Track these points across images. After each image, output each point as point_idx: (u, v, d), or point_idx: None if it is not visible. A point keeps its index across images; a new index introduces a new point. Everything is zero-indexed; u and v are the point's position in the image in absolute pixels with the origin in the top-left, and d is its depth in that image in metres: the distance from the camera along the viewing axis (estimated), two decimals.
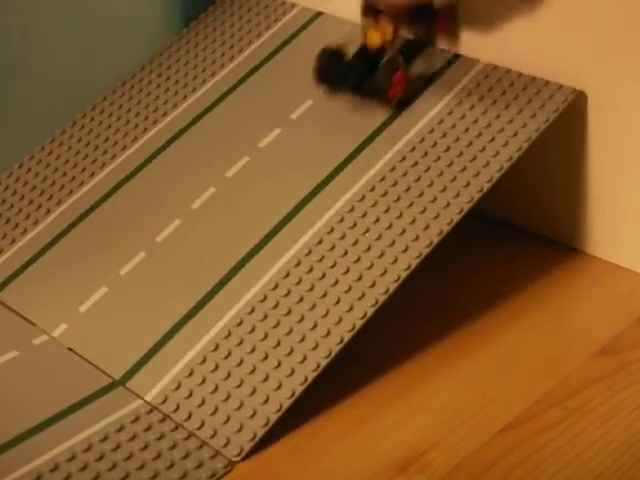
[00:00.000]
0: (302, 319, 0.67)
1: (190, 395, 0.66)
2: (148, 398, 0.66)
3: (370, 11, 0.79)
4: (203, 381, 0.66)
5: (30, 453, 0.62)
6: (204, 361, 0.67)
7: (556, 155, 0.77)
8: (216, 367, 0.66)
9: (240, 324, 0.68)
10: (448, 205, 0.70)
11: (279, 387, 0.64)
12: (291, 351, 0.66)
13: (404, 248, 0.69)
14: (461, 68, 0.79)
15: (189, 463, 0.61)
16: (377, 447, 0.63)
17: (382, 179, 0.73)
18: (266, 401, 0.64)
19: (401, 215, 0.71)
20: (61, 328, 0.73)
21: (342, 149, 0.76)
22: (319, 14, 0.88)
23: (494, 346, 0.70)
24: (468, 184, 0.71)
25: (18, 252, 0.79)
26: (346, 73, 0.78)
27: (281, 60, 0.87)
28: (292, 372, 0.65)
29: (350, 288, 0.68)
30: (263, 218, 0.74)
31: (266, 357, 0.66)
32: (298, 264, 0.70)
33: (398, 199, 0.72)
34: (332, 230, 0.72)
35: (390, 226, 0.71)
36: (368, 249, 0.70)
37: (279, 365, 0.65)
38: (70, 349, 0.71)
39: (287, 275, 0.70)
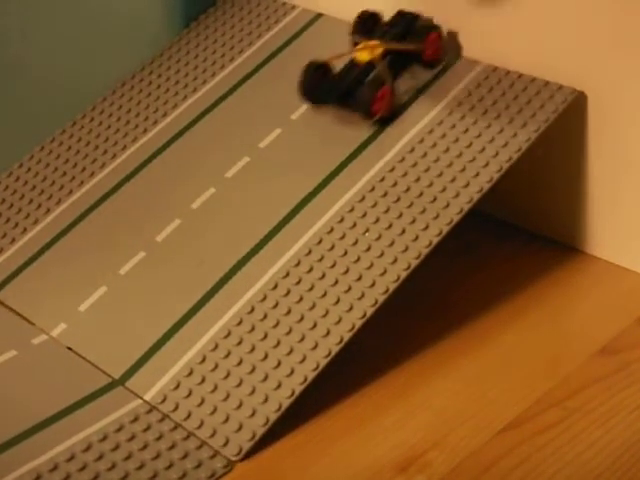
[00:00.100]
0: (302, 319, 0.67)
1: (189, 395, 0.65)
2: (147, 398, 0.66)
3: (360, 29, 0.79)
4: (202, 381, 0.66)
5: (29, 453, 0.62)
6: (203, 360, 0.67)
7: (556, 155, 0.77)
8: (215, 367, 0.66)
9: (240, 324, 0.68)
10: (448, 205, 0.70)
11: (279, 387, 0.64)
12: (291, 351, 0.66)
13: (404, 248, 0.69)
14: (461, 69, 0.79)
15: (188, 463, 0.61)
16: (377, 447, 0.63)
17: (382, 179, 0.73)
18: (265, 401, 0.64)
19: (401, 215, 0.71)
20: (60, 327, 0.73)
21: (342, 149, 0.76)
22: (320, 15, 0.88)
23: (494, 346, 0.70)
24: (468, 184, 0.71)
25: (18, 251, 0.79)
26: (331, 88, 0.77)
27: (281, 61, 0.87)
28: (292, 372, 0.65)
29: (350, 288, 0.68)
30: (263, 218, 0.74)
31: (266, 357, 0.66)
32: (298, 264, 0.70)
33: (398, 199, 0.72)
34: (332, 230, 0.72)
35: (390, 226, 0.71)
36: (368, 249, 0.70)
37: (279, 365, 0.65)
38: (69, 348, 0.71)
39: (287, 275, 0.70)
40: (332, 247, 0.71)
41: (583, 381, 0.66)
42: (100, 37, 0.89)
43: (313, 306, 0.68)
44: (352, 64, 0.77)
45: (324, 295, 0.68)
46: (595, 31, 0.71)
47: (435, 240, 0.69)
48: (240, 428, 0.63)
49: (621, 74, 0.71)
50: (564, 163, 0.77)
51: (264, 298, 0.69)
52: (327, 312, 0.67)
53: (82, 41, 0.88)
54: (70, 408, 0.66)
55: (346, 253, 0.70)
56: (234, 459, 0.62)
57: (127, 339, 0.70)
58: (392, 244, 0.69)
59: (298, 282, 0.69)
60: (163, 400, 0.66)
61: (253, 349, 0.67)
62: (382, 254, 0.69)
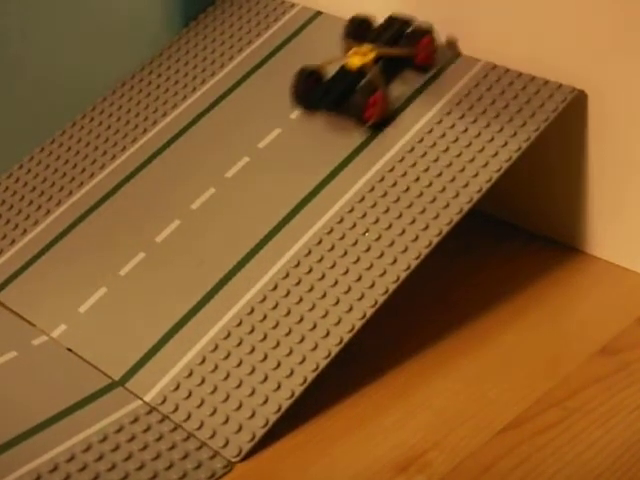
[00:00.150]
0: (302, 319, 0.67)
1: (189, 396, 0.65)
2: (147, 399, 0.66)
3: (352, 33, 0.79)
4: (202, 381, 0.66)
5: (29, 453, 0.62)
6: (203, 361, 0.67)
7: (556, 155, 0.77)
8: (215, 367, 0.66)
9: (240, 324, 0.68)
10: (447, 205, 0.70)
11: (278, 388, 0.64)
12: (290, 352, 0.66)
13: (404, 248, 0.69)
14: (461, 67, 0.79)
15: (188, 464, 0.61)
16: (377, 447, 0.63)
17: (381, 179, 0.73)
18: (265, 402, 0.64)
19: (401, 215, 0.71)
20: (60, 329, 0.73)
21: (342, 150, 0.76)
22: (319, 13, 0.88)
23: (494, 346, 0.70)
24: (467, 184, 0.71)
25: (18, 253, 0.79)
26: (323, 94, 0.77)
27: (281, 60, 0.86)
28: (291, 373, 0.65)
29: (350, 288, 0.68)
30: (263, 218, 0.74)
31: (265, 358, 0.66)
32: (298, 264, 0.70)
33: (397, 200, 0.72)
34: (332, 230, 0.72)
35: (390, 226, 0.71)
36: (368, 249, 0.70)
37: (278, 366, 0.65)
38: (69, 349, 0.71)
39: (287, 275, 0.70)
40: (332, 247, 0.71)
41: (583, 381, 0.66)
42: (100, 37, 0.89)
43: (313, 307, 0.68)
44: (344, 70, 0.77)
45: (324, 296, 0.68)
46: (595, 29, 0.71)
47: (435, 240, 0.69)
48: (240, 429, 0.63)
49: (622, 72, 0.71)
50: (564, 163, 0.76)
51: (264, 299, 0.69)
52: (327, 313, 0.67)
53: (82, 41, 0.88)
54: (70, 409, 0.66)
55: (346, 253, 0.70)
56: (234, 460, 0.62)
57: (127, 340, 0.70)
58: (392, 244, 0.69)
59: (298, 283, 0.69)
60: (163, 401, 0.66)
61: (253, 350, 0.67)
62: (382, 254, 0.69)
